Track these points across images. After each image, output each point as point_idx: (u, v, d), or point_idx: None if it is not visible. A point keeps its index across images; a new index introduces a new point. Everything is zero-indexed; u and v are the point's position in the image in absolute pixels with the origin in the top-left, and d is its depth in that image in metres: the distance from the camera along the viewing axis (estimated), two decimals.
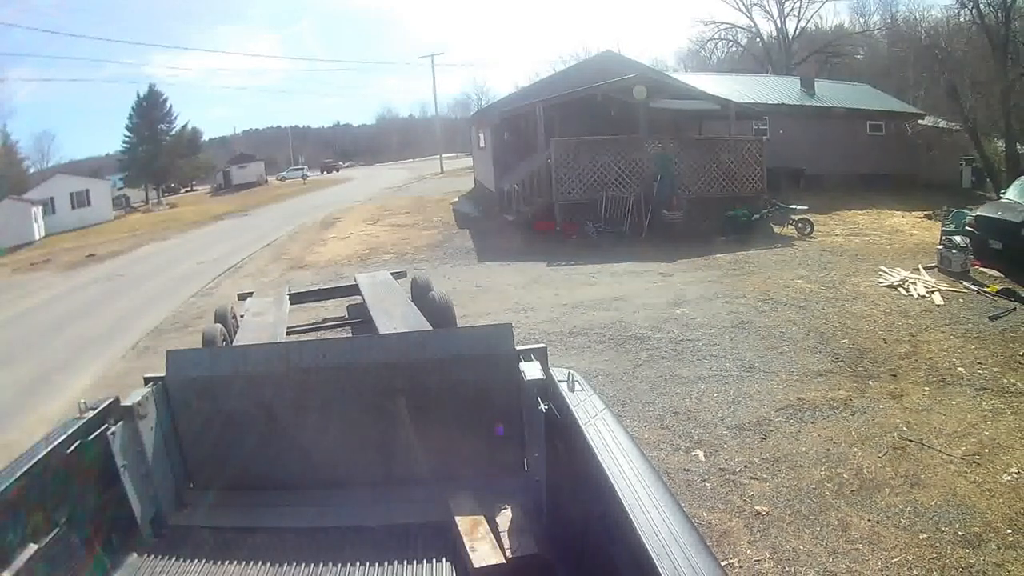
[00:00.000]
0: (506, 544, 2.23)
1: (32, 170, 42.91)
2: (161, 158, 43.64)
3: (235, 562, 2.30)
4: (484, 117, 20.25)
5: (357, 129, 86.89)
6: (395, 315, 5.65)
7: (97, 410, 2.37)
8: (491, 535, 2.27)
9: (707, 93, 15.75)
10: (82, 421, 2.29)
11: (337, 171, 48.65)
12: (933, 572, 3.11)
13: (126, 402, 2.50)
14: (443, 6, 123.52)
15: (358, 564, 2.25)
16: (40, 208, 30.52)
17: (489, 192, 18.29)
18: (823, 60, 36.63)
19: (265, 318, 6.29)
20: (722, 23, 40.48)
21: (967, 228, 9.68)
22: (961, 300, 7.71)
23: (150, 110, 44.87)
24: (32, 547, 1.95)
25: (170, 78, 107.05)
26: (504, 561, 2.15)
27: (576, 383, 2.32)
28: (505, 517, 2.36)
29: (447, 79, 64.25)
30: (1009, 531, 3.37)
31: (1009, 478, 3.86)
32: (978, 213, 10.10)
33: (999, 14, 19.59)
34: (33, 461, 2.03)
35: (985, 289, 8.07)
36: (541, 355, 2.64)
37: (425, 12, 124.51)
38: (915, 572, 3.11)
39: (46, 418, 5.34)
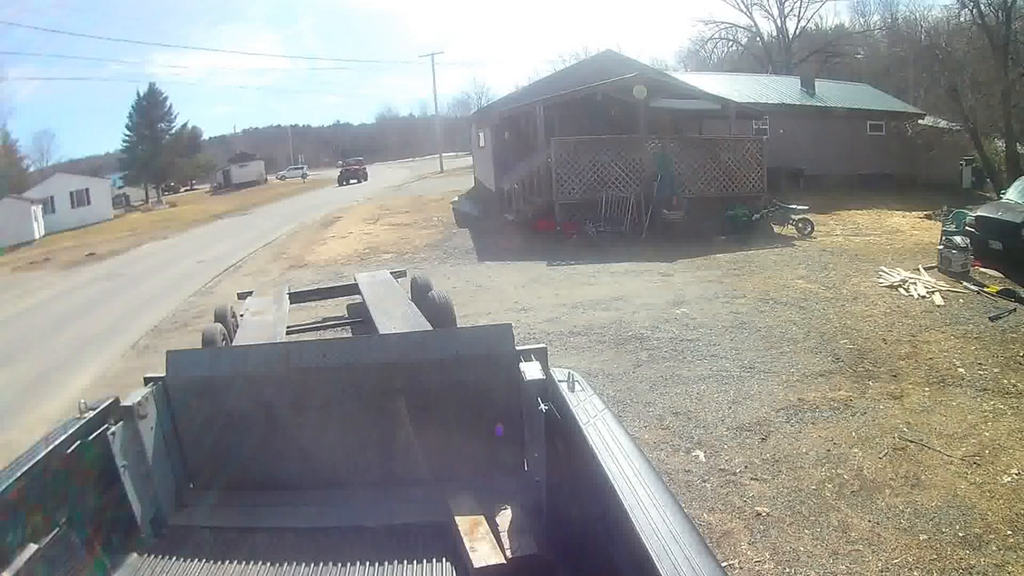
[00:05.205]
0: (506, 544, 2.23)
1: (32, 169, 42.97)
2: (161, 157, 43.71)
3: (235, 562, 2.29)
4: (484, 116, 20.24)
5: (357, 128, 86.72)
6: (395, 315, 5.64)
7: (97, 410, 2.37)
8: (491, 535, 2.27)
9: (707, 93, 15.74)
10: (82, 421, 2.29)
11: (366, 179, 38.07)
12: (933, 573, 3.11)
13: (126, 402, 2.49)
14: (443, 6, 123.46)
15: (358, 564, 2.25)
16: (40, 207, 30.45)
17: (489, 191, 18.28)
18: (823, 60, 36.56)
19: (265, 317, 6.29)
20: (722, 22, 40.56)
21: (967, 228, 9.68)
22: (961, 300, 7.70)
23: (150, 109, 44.96)
24: (32, 547, 1.95)
25: (170, 77, 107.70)
26: (504, 561, 2.15)
27: (576, 383, 2.31)
28: (505, 517, 2.36)
29: (447, 78, 64.51)
30: (1009, 532, 3.37)
31: (1009, 479, 3.85)
32: (978, 213, 10.10)
33: (999, 14, 19.57)
34: (33, 461, 2.03)
35: (985, 289, 8.07)
36: (541, 355, 2.63)
37: (425, 12, 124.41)
38: (915, 573, 3.11)
39: (46, 417, 5.33)
